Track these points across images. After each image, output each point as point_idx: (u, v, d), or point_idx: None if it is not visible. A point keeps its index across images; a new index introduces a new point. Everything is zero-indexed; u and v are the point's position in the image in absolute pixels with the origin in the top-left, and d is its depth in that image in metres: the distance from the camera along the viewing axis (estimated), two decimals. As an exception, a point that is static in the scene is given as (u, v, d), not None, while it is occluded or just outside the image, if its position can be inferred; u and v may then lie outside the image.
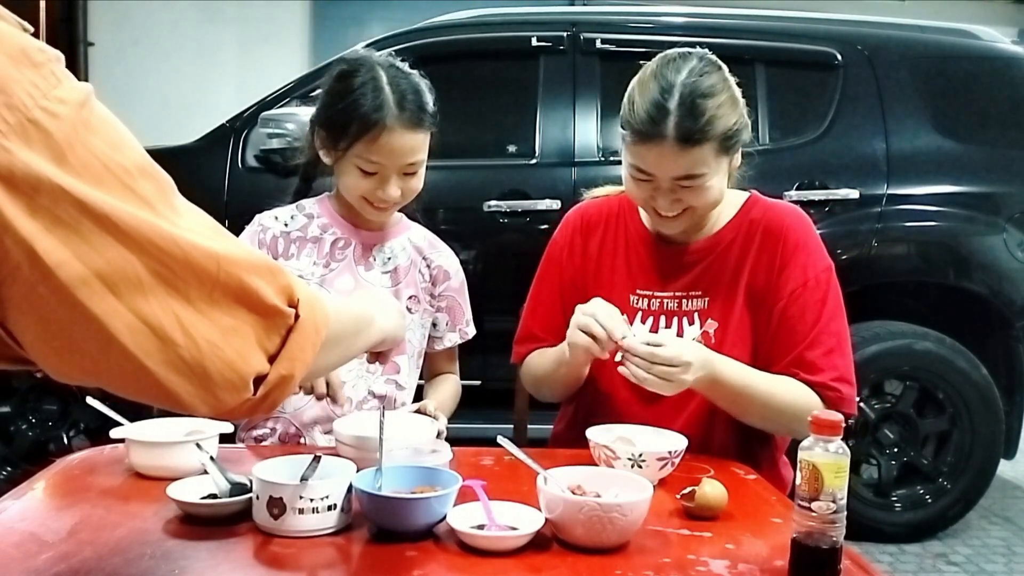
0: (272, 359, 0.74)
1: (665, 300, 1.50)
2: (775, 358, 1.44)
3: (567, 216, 1.64)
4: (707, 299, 1.48)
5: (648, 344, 1.30)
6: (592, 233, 1.58)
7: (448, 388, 1.66)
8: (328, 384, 1.37)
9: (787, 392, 1.40)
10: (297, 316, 0.75)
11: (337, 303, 0.91)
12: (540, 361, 1.57)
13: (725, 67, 1.43)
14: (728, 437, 1.47)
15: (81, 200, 0.62)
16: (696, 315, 1.48)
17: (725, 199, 1.49)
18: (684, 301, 1.49)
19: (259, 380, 0.73)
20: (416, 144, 1.48)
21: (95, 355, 0.65)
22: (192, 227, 0.69)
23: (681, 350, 1.30)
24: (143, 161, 0.68)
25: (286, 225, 1.58)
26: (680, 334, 1.47)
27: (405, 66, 1.53)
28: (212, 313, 0.68)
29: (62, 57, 0.65)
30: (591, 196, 1.65)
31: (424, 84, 1.51)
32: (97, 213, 0.62)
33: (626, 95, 1.42)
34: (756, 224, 1.49)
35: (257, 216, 1.61)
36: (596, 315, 1.33)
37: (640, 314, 1.51)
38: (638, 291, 1.52)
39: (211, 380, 0.69)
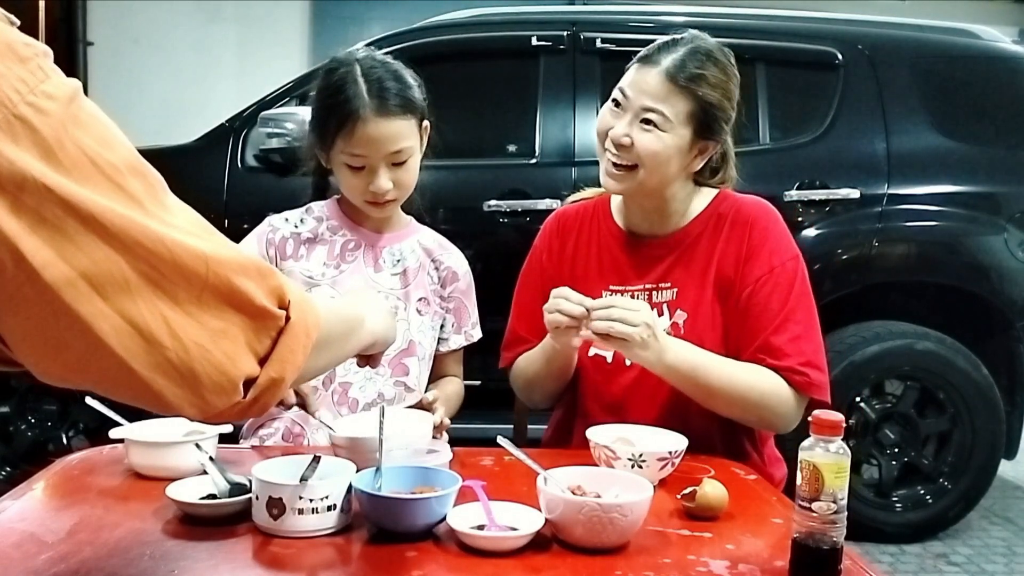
0: (262, 362, 0.72)
1: (636, 293, 1.53)
2: (742, 346, 1.46)
3: (546, 222, 1.68)
4: (676, 290, 1.51)
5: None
6: (568, 235, 1.62)
7: (451, 387, 1.65)
8: (297, 393, 1.34)
9: (749, 376, 1.41)
10: (288, 318, 0.74)
11: (327, 305, 0.90)
12: (529, 361, 1.59)
13: (736, 71, 1.49)
14: (706, 427, 1.46)
15: (67, 199, 0.61)
16: (665, 307, 1.51)
17: (695, 196, 1.54)
18: (654, 293, 1.52)
19: (249, 383, 0.71)
20: (396, 132, 1.46)
21: (81, 357, 0.64)
22: (182, 226, 0.68)
23: (635, 301, 1.38)
24: (132, 158, 0.66)
25: (296, 227, 1.58)
26: None
27: (388, 58, 1.52)
28: (200, 315, 0.67)
29: (50, 52, 0.64)
30: (571, 200, 1.69)
31: (407, 72, 1.51)
32: (83, 213, 0.61)
33: None
34: (724, 216, 1.52)
35: (268, 217, 1.61)
36: (563, 295, 1.37)
37: None
38: (611, 287, 1.55)
39: (199, 383, 0.68)
